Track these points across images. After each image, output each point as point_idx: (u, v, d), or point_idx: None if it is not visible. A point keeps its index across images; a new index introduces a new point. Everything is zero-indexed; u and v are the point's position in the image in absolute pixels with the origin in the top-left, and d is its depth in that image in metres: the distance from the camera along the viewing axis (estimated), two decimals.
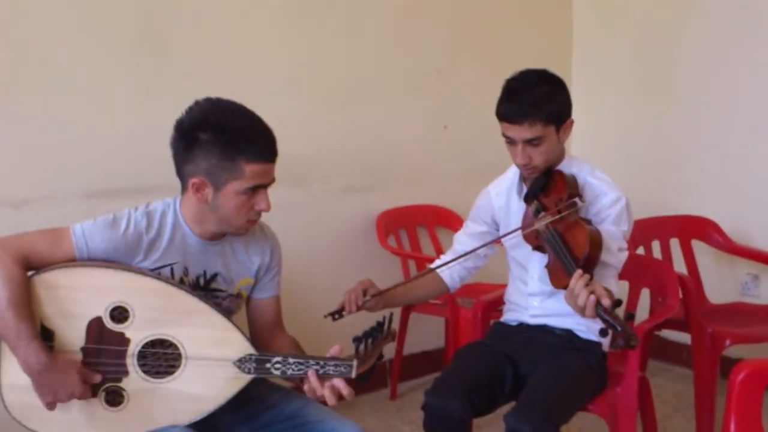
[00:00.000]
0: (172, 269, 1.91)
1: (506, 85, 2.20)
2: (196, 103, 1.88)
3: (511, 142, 2.18)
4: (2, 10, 2.52)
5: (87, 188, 2.70)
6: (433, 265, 2.39)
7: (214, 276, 1.97)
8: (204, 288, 1.97)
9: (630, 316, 1.89)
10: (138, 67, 2.81)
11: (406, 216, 3.57)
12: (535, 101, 2.11)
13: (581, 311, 1.89)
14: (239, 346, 1.82)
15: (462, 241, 2.42)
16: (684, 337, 3.09)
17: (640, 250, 3.24)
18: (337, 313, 2.19)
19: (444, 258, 2.40)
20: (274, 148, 1.88)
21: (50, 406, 1.78)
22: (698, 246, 3.38)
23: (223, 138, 1.81)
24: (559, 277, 2.04)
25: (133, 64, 2.79)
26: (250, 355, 1.82)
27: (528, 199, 2.24)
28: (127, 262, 1.87)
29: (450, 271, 2.39)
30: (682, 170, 3.68)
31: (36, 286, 1.80)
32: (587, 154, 2.59)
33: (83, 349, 1.81)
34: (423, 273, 2.44)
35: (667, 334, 3.46)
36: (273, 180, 1.92)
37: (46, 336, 1.79)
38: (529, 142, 2.14)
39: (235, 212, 1.87)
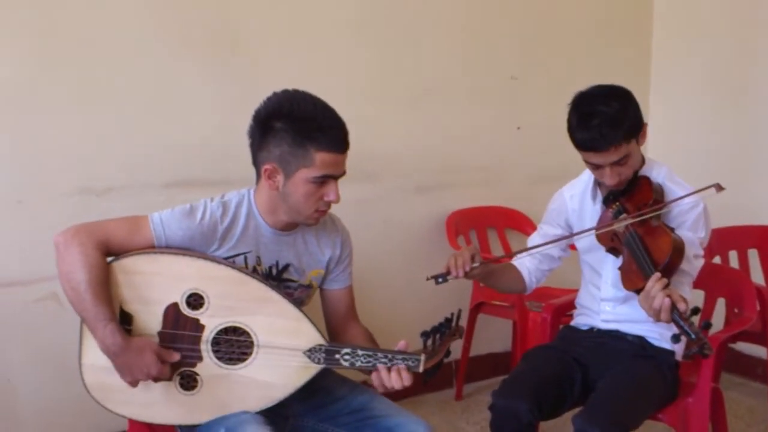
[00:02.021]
0: (245, 258, 1.95)
1: (575, 111, 2.13)
2: (274, 93, 1.92)
3: (597, 166, 2.14)
4: (83, 14, 2.61)
5: (165, 178, 2.78)
6: (517, 254, 2.34)
7: (286, 266, 2.01)
8: (276, 278, 2.00)
9: (707, 324, 1.84)
10: (214, 64, 2.87)
11: (477, 217, 3.56)
12: (612, 124, 2.06)
13: (656, 314, 1.85)
14: (310, 336, 1.85)
15: (536, 242, 2.38)
16: (760, 351, 3.00)
17: (717, 260, 3.16)
18: (441, 277, 2.09)
19: (522, 254, 2.35)
20: (345, 140, 1.90)
21: (132, 384, 1.84)
22: None
23: (295, 126, 1.85)
24: (633, 279, 2.00)
25: (210, 62, 2.86)
26: (320, 345, 1.84)
27: (609, 201, 2.20)
28: (203, 251, 1.92)
29: (528, 272, 2.37)
30: (761, 179, 3.57)
31: (115, 272, 1.86)
32: (665, 160, 2.54)
33: (160, 334, 1.86)
34: (514, 253, 2.36)
35: (742, 347, 3.37)
36: (343, 172, 1.93)
37: (124, 320, 1.85)
38: (617, 163, 2.11)
39: (304, 200, 1.90)
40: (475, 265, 2.10)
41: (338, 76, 3.11)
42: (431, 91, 3.39)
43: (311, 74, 2.98)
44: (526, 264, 2.36)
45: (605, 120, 2.06)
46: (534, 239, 2.41)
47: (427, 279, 2.11)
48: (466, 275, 2.09)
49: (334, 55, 3.13)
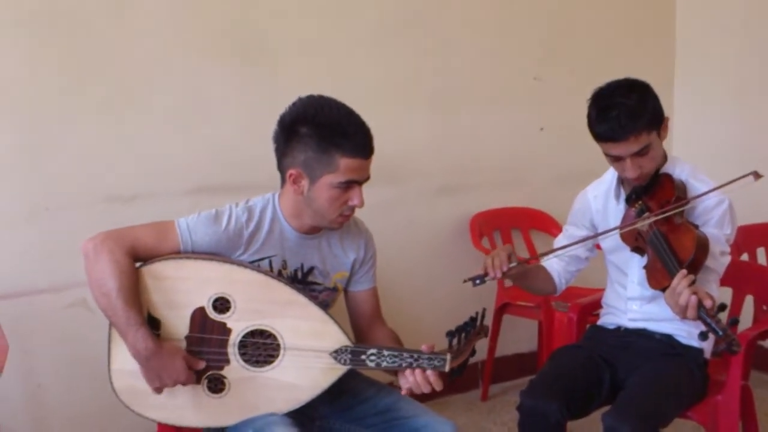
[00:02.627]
0: (270, 262, 1.97)
1: (594, 104, 2.14)
2: (299, 99, 1.94)
3: (617, 159, 2.13)
4: (109, 22, 2.65)
5: (191, 185, 2.81)
6: (548, 254, 2.30)
7: (311, 269, 2.02)
8: (301, 281, 2.01)
9: (734, 321, 1.82)
10: (240, 71, 2.90)
11: (501, 218, 3.56)
12: (632, 113, 2.06)
13: (682, 312, 1.84)
14: (336, 337, 1.86)
15: (563, 244, 2.36)
16: None
17: (745, 257, 3.13)
18: (479, 279, 2.07)
19: (553, 255, 2.32)
20: (370, 145, 1.91)
21: (157, 390, 1.86)
22: None
23: (319, 131, 1.86)
24: (658, 278, 1.99)
25: (235, 68, 2.89)
26: (346, 346, 1.85)
27: (631, 200, 2.19)
28: (228, 255, 1.94)
29: (558, 274, 2.36)
30: None
31: (144, 277, 1.88)
32: (692, 157, 2.52)
33: (187, 338, 1.88)
34: (545, 253, 2.32)
35: None
36: (368, 177, 1.95)
37: (152, 324, 1.87)
38: (638, 154, 2.10)
39: (328, 205, 1.91)
40: (513, 264, 2.09)
41: (362, 79, 3.12)
42: (454, 93, 3.39)
43: (336, 78, 3.00)
44: (554, 266, 2.36)
45: (624, 110, 2.06)
46: (560, 240, 2.40)
47: (465, 281, 2.10)
48: (504, 275, 2.08)
49: (357, 59, 3.14)
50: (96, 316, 1.96)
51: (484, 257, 3.28)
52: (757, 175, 2.04)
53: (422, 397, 1.91)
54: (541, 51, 3.61)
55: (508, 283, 2.79)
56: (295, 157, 1.90)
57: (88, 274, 1.85)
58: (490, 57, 3.47)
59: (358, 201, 1.92)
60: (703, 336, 1.83)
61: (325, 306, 2.02)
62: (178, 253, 1.92)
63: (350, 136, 1.87)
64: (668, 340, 2.24)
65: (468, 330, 1.83)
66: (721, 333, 1.78)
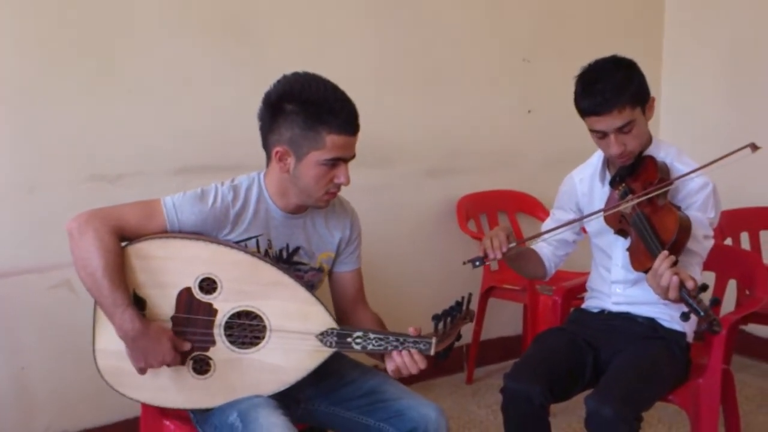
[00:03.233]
0: (257, 241, 1.96)
1: (581, 80, 2.16)
2: (284, 76, 1.92)
3: (601, 135, 2.14)
4: (96, 2, 2.62)
5: (176, 165, 2.79)
6: (522, 243, 2.26)
7: (297, 249, 2.02)
8: (287, 261, 2.01)
9: (715, 301, 1.83)
10: (223, 52, 2.88)
11: (488, 201, 3.56)
12: (617, 87, 2.08)
13: (664, 292, 1.85)
14: (322, 319, 1.86)
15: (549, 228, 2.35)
16: None
17: (729, 241, 3.15)
18: (478, 260, 2.07)
19: (540, 238, 2.32)
20: (356, 122, 1.90)
21: (141, 371, 1.86)
22: None
23: (306, 108, 1.85)
24: (641, 259, 2.00)
25: (220, 48, 2.87)
26: (332, 329, 1.85)
27: (614, 183, 2.20)
28: (215, 235, 1.93)
29: (547, 258, 2.37)
30: None
31: (130, 256, 1.87)
32: (679, 140, 2.54)
33: (173, 318, 1.87)
34: (540, 233, 2.30)
35: (753, 328, 3.37)
36: (353, 155, 1.94)
37: (138, 304, 1.86)
38: (621, 130, 2.10)
39: (314, 183, 1.90)
40: (512, 245, 2.09)
41: (349, 60, 3.11)
42: (442, 75, 3.39)
43: (322, 59, 2.95)
44: (543, 250, 2.36)
45: (609, 85, 2.08)
46: (548, 225, 2.40)
47: (464, 263, 2.10)
48: (503, 256, 2.08)
49: (345, 40, 3.13)
50: (80, 297, 1.96)
51: (469, 239, 3.35)
52: (754, 147, 2.05)
53: (407, 380, 1.92)
54: (531, 33, 3.60)
55: (494, 266, 2.79)
56: (282, 135, 1.89)
57: (72, 254, 1.83)
58: (479, 39, 3.47)
59: (345, 178, 1.92)
60: (684, 317, 1.85)
61: (311, 287, 2.02)
62: (164, 232, 1.90)
63: (337, 112, 1.85)
64: (651, 323, 2.25)
65: (454, 314, 1.83)
66: (702, 313, 1.79)
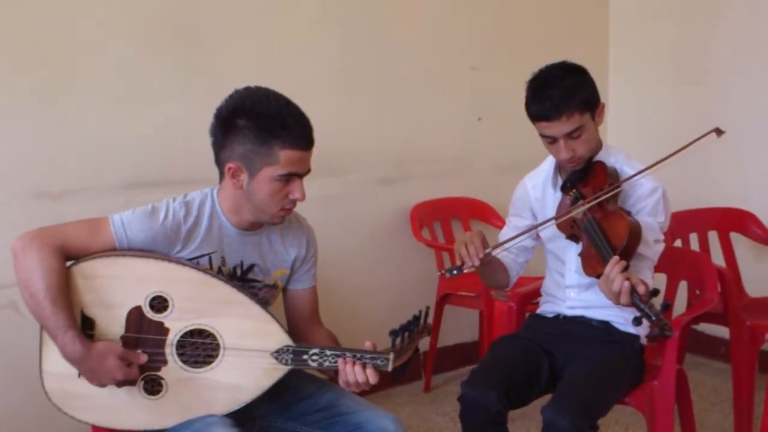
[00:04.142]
0: (210, 259, 1.93)
1: (531, 85, 2.18)
2: (236, 90, 1.90)
3: (551, 140, 2.15)
4: (39, 12, 2.55)
5: (124, 180, 2.73)
6: (493, 249, 2.19)
7: (251, 266, 1.99)
8: (241, 278, 1.98)
9: (666, 306, 1.85)
10: (174, 62, 2.83)
11: (441, 208, 3.57)
12: (566, 93, 2.10)
13: (615, 298, 1.87)
14: (277, 337, 1.84)
15: (508, 236, 2.30)
16: (722, 331, 3.05)
17: (678, 243, 3.21)
18: (456, 269, 2.04)
19: (503, 247, 2.27)
20: (310, 137, 1.88)
21: (101, 386, 1.81)
22: (737, 239, 3.33)
23: (258, 123, 1.82)
24: (593, 264, 2.02)
25: (170, 59, 2.82)
26: (288, 346, 1.83)
27: (565, 188, 2.22)
28: (166, 252, 1.89)
29: (509, 266, 2.36)
30: (721, 162, 3.62)
31: (75, 276, 1.82)
32: (625, 144, 2.56)
33: (123, 338, 1.83)
34: (505, 241, 2.24)
35: (705, 327, 3.42)
36: (308, 170, 1.92)
37: (86, 324, 1.82)
38: (570, 135, 2.12)
39: (269, 199, 1.87)
40: (488, 251, 2.08)
41: (300, 71, 3.09)
42: (392, 84, 3.39)
43: (274, 70, 2.94)
44: (505, 259, 2.36)
45: (558, 90, 2.09)
46: (505, 233, 2.39)
47: (441, 273, 2.08)
48: (480, 262, 2.06)
49: (296, 51, 3.11)
50: (26, 318, 1.90)
51: (423, 247, 3.35)
52: (719, 132, 2.09)
53: (365, 390, 1.90)
54: (477, 40, 3.63)
55: (441, 273, 2.78)
56: (234, 150, 1.86)
57: (16, 275, 1.79)
58: (428, 47, 3.48)
59: (300, 194, 1.89)
60: (636, 321, 1.86)
61: (264, 303, 1.99)
62: (112, 251, 1.86)
63: (290, 127, 1.83)
64: (605, 327, 2.27)
65: (411, 329, 1.81)
66: (654, 318, 1.81)
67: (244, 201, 1.91)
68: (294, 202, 1.92)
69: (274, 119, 1.82)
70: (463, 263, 2.05)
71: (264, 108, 1.84)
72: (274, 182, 1.85)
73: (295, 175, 1.87)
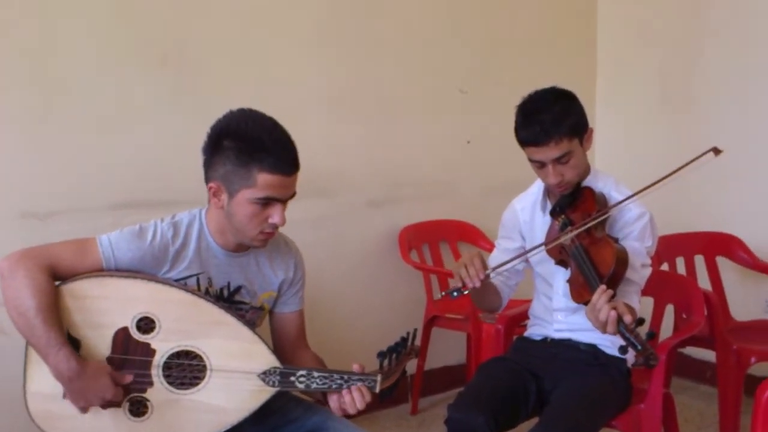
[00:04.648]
0: (198, 279, 1.93)
1: (521, 110, 2.19)
2: (230, 111, 1.90)
3: (539, 164, 2.17)
4: (31, 32, 2.56)
5: (112, 200, 2.73)
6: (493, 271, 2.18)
7: (238, 288, 1.98)
8: (228, 300, 1.97)
9: (651, 335, 1.85)
10: (163, 83, 2.84)
11: (429, 231, 3.57)
12: (555, 119, 2.11)
13: (602, 327, 1.88)
14: (264, 358, 1.83)
15: (499, 259, 2.31)
16: (708, 355, 3.06)
17: (665, 267, 3.22)
18: (456, 291, 2.05)
19: (500, 269, 2.22)
20: (291, 162, 1.85)
21: (83, 410, 1.80)
22: (723, 263, 3.35)
23: (240, 145, 1.82)
24: (580, 292, 2.03)
25: (159, 80, 2.83)
26: (275, 368, 1.82)
27: (555, 213, 2.23)
28: (154, 273, 1.89)
29: (501, 289, 2.36)
30: (707, 186, 3.65)
31: (63, 296, 1.82)
32: (612, 169, 2.58)
33: (109, 359, 1.82)
34: (500, 265, 2.20)
35: (691, 351, 3.42)
36: (291, 195, 1.89)
37: (72, 345, 1.80)
38: (559, 161, 2.14)
39: (247, 221, 1.86)
40: (488, 272, 2.08)
41: (291, 91, 3.10)
42: (382, 106, 3.40)
43: (264, 90, 2.96)
44: (496, 282, 2.36)
45: (548, 116, 2.11)
46: (495, 256, 2.38)
47: (443, 294, 2.10)
48: (481, 282, 2.06)
49: (286, 71, 3.12)
50: (12, 339, 1.89)
51: (411, 270, 3.35)
52: (716, 151, 2.09)
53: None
54: (466, 64, 3.64)
55: (437, 296, 2.79)
56: (216, 170, 1.86)
57: (3, 294, 1.78)
58: (418, 69, 3.49)
59: (279, 219, 1.87)
60: (623, 350, 1.87)
61: (251, 325, 1.98)
62: (100, 271, 1.85)
63: (270, 151, 1.82)
64: (593, 350, 2.27)
65: (399, 351, 1.82)
66: (640, 347, 1.82)
67: (226, 222, 1.91)
68: (274, 227, 1.89)
69: (255, 142, 1.82)
70: (464, 284, 2.05)
71: (248, 130, 1.84)
72: (252, 205, 1.84)
73: (274, 199, 1.85)
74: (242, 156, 1.81)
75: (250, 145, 1.82)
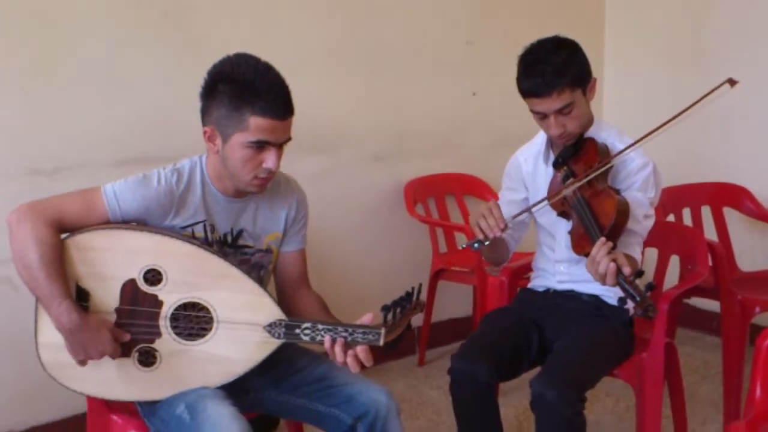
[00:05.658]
0: (204, 226, 1.94)
1: (522, 60, 2.16)
2: (226, 56, 1.89)
3: (541, 116, 2.15)
4: None
5: (117, 156, 2.74)
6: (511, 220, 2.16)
7: (240, 232, 2.00)
8: (231, 245, 1.99)
9: (650, 286, 1.86)
10: (166, 39, 2.83)
11: (435, 184, 3.57)
12: (557, 69, 2.09)
13: (601, 279, 1.88)
14: (269, 311, 1.85)
15: (504, 210, 2.23)
16: (714, 305, 3.07)
17: (671, 218, 3.22)
18: (477, 242, 2.03)
19: (516, 220, 2.23)
20: (283, 106, 1.85)
21: (81, 363, 1.84)
22: (730, 213, 3.34)
23: (232, 89, 1.82)
24: (582, 244, 2.03)
25: (161, 35, 2.82)
26: (281, 320, 1.84)
27: (557, 165, 2.22)
28: (160, 221, 1.90)
29: (507, 241, 2.35)
30: (714, 137, 3.63)
31: (69, 248, 1.84)
32: (619, 119, 2.57)
33: (117, 310, 1.85)
34: (514, 216, 2.19)
35: (697, 302, 3.44)
36: (286, 139, 1.89)
37: (81, 296, 1.84)
38: (560, 112, 2.12)
39: (241, 166, 1.86)
40: (508, 221, 2.07)
41: (292, 45, 3.08)
42: (386, 59, 3.38)
43: (266, 44, 2.84)
44: (502, 234, 2.36)
45: (549, 66, 2.08)
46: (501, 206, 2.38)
47: (463, 247, 2.09)
48: (502, 233, 2.05)
49: (287, 26, 3.10)
50: (21, 293, 1.91)
51: (418, 223, 3.36)
52: (732, 82, 2.07)
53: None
54: (472, 15, 3.61)
55: (461, 246, 2.78)
56: (211, 115, 1.87)
57: (10, 247, 1.81)
58: (423, 21, 3.46)
59: (272, 164, 1.86)
60: (622, 302, 1.88)
61: (260, 268, 2.02)
62: (107, 222, 1.87)
63: (262, 94, 1.81)
64: (595, 301, 2.29)
65: (404, 305, 1.82)
66: (638, 299, 1.82)
67: (222, 167, 1.91)
68: (268, 171, 1.89)
69: (248, 85, 1.82)
70: (485, 235, 2.04)
71: (240, 74, 1.83)
72: (245, 149, 1.84)
73: (268, 143, 1.85)
74: (235, 100, 1.82)
75: (242, 88, 1.82)
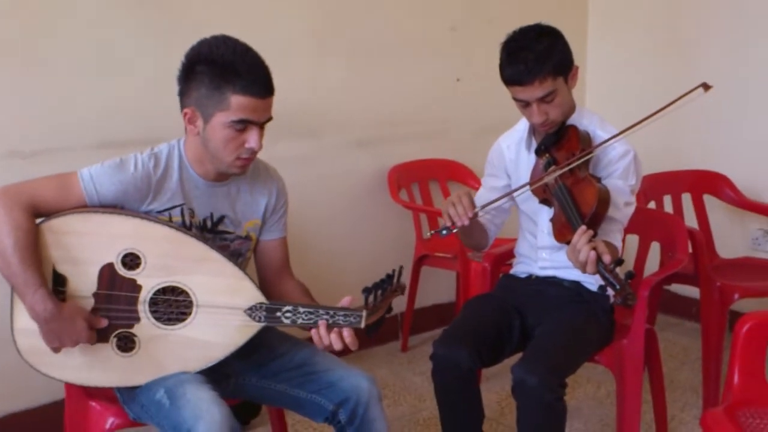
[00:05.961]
0: (182, 210, 1.92)
1: (504, 48, 2.16)
2: (203, 38, 1.88)
3: (524, 103, 2.15)
4: None
5: (96, 140, 2.70)
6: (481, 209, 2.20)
7: (221, 218, 1.98)
8: (211, 230, 1.97)
9: (630, 275, 1.87)
10: (146, 21, 2.79)
11: (418, 170, 3.57)
12: (539, 57, 2.08)
13: (582, 267, 1.89)
14: (250, 294, 1.84)
15: (485, 197, 2.32)
16: (694, 292, 3.09)
17: (652, 205, 3.23)
18: (445, 230, 2.06)
19: (487, 207, 2.25)
20: (265, 84, 1.84)
21: (56, 350, 1.82)
22: (710, 201, 3.37)
23: (212, 69, 1.81)
24: (563, 232, 2.04)
25: (142, 18, 2.78)
26: (261, 303, 1.84)
27: (539, 152, 2.22)
28: (137, 205, 1.88)
29: (487, 227, 2.37)
30: (695, 125, 3.65)
31: (45, 232, 1.81)
32: (601, 107, 2.57)
33: (95, 295, 1.83)
34: (489, 203, 2.23)
35: (677, 288, 3.47)
36: (267, 119, 1.88)
37: (58, 281, 1.81)
38: (543, 100, 2.12)
39: (223, 146, 1.85)
40: (477, 209, 2.08)
41: (276, 29, 3.05)
42: (370, 44, 3.36)
43: (249, 28, 2.83)
44: (482, 221, 2.36)
45: (531, 55, 2.08)
46: (481, 194, 2.39)
47: (430, 233, 2.11)
48: (470, 221, 2.06)
49: (272, 9, 3.07)
50: None
51: (401, 209, 3.35)
52: (706, 87, 2.08)
53: (343, 350, 1.90)
54: (458, 0, 3.59)
55: (426, 234, 2.80)
56: (191, 96, 1.85)
57: None
58: (408, 7, 3.45)
59: (255, 143, 1.85)
60: (602, 290, 1.90)
61: (238, 255, 2.00)
62: (83, 206, 1.85)
63: (243, 73, 1.80)
64: (576, 287, 2.30)
65: (384, 287, 1.82)
66: (618, 287, 1.83)
67: (203, 149, 1.89)
68: (251, 152, 1.88)
69: (228, 65, 1.80)
70: (452, 223, 2.06)
71: (220, 54, 1.82)
72: (227, 129, 1.83)
73: (250, 122, 1.84)
74: (215, 79, 1.80)
75: (222, 68, 1.80)
